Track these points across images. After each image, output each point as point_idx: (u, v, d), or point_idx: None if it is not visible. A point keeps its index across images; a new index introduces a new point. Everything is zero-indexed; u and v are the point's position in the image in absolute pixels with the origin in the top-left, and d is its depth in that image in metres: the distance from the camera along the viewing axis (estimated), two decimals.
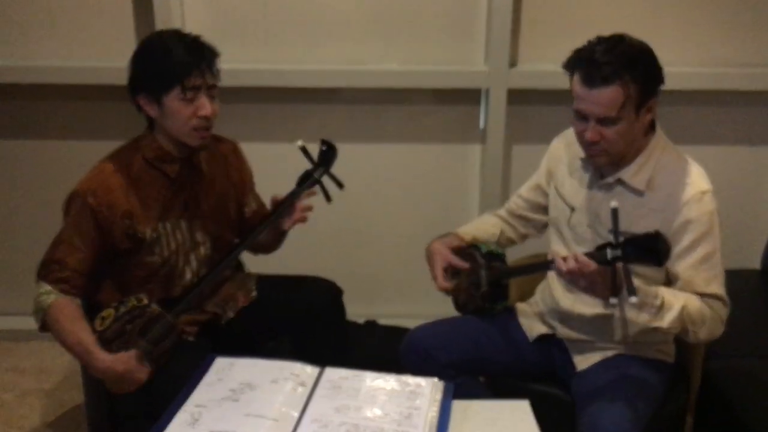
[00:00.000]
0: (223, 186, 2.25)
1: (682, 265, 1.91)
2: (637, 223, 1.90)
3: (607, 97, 1.83)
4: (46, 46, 2.99)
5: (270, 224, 2.18)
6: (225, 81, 2.95)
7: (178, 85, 1.97)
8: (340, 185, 2.21)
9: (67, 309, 2.00)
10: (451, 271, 2.21)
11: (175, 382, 1.76)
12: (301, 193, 2.17)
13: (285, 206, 2.16)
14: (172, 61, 1.97)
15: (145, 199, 2.07)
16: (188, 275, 2.18)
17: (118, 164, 2.07)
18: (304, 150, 2.16)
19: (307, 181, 2.17)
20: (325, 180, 2.21)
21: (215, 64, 2.05)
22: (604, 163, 1.98)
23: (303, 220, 2.19)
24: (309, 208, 2.20)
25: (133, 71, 2.04)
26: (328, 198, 2.19)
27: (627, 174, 1.97)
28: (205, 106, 2.01)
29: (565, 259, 1.79)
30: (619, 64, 1.81)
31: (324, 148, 2.21)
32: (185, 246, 2.15)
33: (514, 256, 2.43)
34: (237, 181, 2.29)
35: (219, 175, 2.24)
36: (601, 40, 1.88)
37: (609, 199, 1.90)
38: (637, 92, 1.83)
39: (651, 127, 2.00)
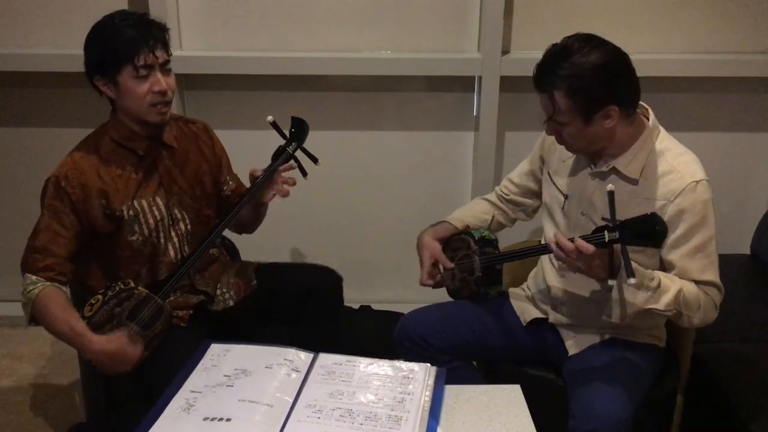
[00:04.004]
0: (197, 161, 2.26)
1: (676, 254, 1.92)
2: (631, 212, 1.90)
3: (542, 101, 1.92)
4: (37, 34, 2.98)
5: (249, 199, 2.19)
6: (217, 68, 2.97)
7: (130, 64, 1.98)
8: (314, 160, 2.23)
9: (55, 297, 2.00)
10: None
11: (171, 367, 1.77)
12: (277, 168, 2.19)
13: (262, 181, 2.17)
14: (120, 40, 1.98)
15: (117, 178, 2.09)
16: (171, 252, 2.19)
17: (87, 148, 2.10)
18: (275, 125, 2.18)
19: (280, 156, 2.20)
20: (301, 156, 2.23)
21: (165, 40, 2.05)
22: (579, 154, 2.03)
23: (285, 193, 2.20)
24: (291, 182, 2.21)
25: (86, 55, 2.05)
26: (304, 173, 2.22)
27: (621, 163, 1.98)
28: (159, 82, 2.02)
29: (561, 244, 1.81)
30: (555, 76, 1.86)
31: (295, 124, 2.24)
32: (164, 222, 2.16)
33: (507, 242, 2.44)
34: (210, 158, 2.30)
35: (192, 151, 2.25)
36: (556, 47, 1.90)
37: (603, 187, 1.92)
38: (571, 106, 1.86)
39: (644, 117, 2.01)
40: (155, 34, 2.01)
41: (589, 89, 1.85)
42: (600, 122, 1.89)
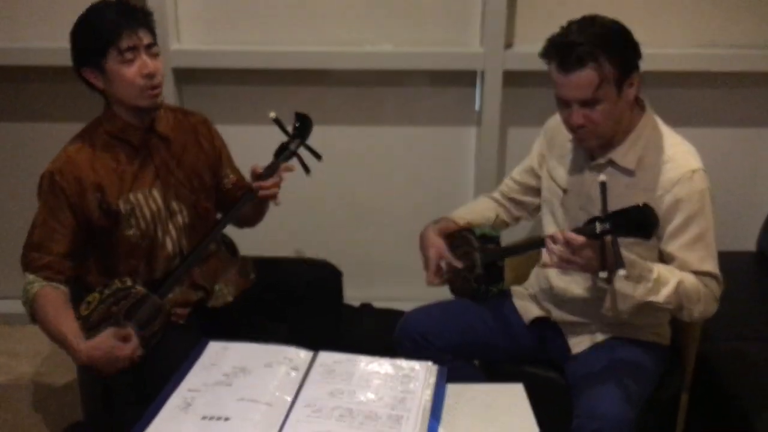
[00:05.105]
0: (195, 154, 2.24)
1: (675, 245, 1.91)
2: (628, 204, 1.89)
3: (583, 79, 1.84)
4: (31, 28, 2.96)
5: (251, 198, 2.18)
6: (216, 62, 2.95)
7: (114, 48, 1.98)
8: (317, 156, 2.21)
9: (51, 298, 1.99)
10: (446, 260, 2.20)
11: (169, 365, 1.76)
12: (279, 165, 2.18)
13: (264, 179, 2.16)
14: (102, 26, 1.98)
15: (113, 171, 2.07)
16: (169, 245, 2.17)
17: (82, 142, 2.08)
18: (277, 122, 2.17)
19: (283, 153, 2.18)
20: (303, 153, 2.21)
21: (149, 23, 2.05)
22: (593, 146, 1.99)
23: (273, 195, 2.18)
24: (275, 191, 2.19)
25: (71, 48, 2.05)
26: (306, 170, 2.20)
27: (617, 154, 1.97)
28: (147, 64, 2.01)
29: (554, 239, 1.79)
30: (592, 45, 1.83)
31: (298, 120, 2.22)
32: (161, 215, 2.14)
33: (509, 239, 2.42)
34: (209, 150, 2.28)
35: (189, 143, 2.23)
36: (571, 24, 1.89)
37: None
38: (613, 70, 1.84)
39: (640, 107, 2.00)
40: (137, 17, 2.01)
41: (625, 49, 1.86)
42: (626, 92, 1.89)
